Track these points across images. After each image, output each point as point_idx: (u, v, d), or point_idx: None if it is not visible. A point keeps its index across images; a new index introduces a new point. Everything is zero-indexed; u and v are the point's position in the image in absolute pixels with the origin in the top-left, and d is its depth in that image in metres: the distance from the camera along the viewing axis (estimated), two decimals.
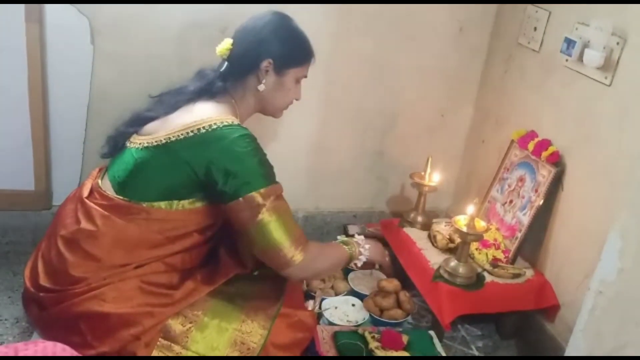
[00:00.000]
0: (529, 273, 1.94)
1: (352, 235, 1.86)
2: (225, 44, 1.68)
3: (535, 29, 2.03)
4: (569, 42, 1.79)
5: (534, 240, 1.96)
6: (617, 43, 1.65)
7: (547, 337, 1.89)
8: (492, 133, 2.30)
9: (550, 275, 1.92)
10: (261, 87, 1.67)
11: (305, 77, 1.75)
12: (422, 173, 2.21)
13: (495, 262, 1.93)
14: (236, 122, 1.56)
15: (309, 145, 2.34)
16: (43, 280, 1.53)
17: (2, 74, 1.95)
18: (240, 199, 1.49)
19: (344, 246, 1.76)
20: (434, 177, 2.20)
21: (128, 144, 1.62)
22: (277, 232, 1.51)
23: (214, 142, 1.50)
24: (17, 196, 2.10)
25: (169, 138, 1.54)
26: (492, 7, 2.27)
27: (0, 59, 1.93)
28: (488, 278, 1.89)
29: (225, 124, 1.52)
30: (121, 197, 1.55)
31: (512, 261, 1.95)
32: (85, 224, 1.53)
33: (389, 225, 2.29)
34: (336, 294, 1.99)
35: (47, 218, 2.06)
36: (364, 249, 1.79)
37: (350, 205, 2.49)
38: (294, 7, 2.05)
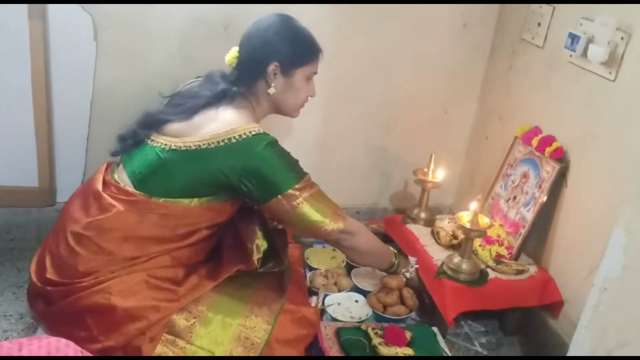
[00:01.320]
0: (533, 269, 1.93)
1: (405, 256, 2.01)
2: (233, 53, 1.72)
3: (539, 24, 2.02)
4: (573, 38, 1.79)
5: (537, 236, 1.96)
6: (622, 38, 1.65)
7: (551, 334, 1.89)
8: (496, 129, 2.29)
9: (554, 272, 1.92)
10: (271, 91, 1.69)
11: (316, 73, 1.76)
12: (426, 169, 2.21)
13: (498, 259, 1.93)
14: (261, 129, 1.60)
15: (311, 142, 2.34)
16: (50, 274, 1.54)
17: (6, 71, 1.95)
18: (280, 196, 1.58)
19: (393, 254, 1.89)
20: (437, 174, 2.20)
21: (149, 142, 1.64)
22: (316, 215, 1.62)
23: (245, 151, 1.56)
24: (21, 193, 2.11)
25: (199, 145, 1.57)
26: (496, 3, 2.26)
27: (4, 56, 1.94)
28: (491, 274, 1.89)
29: (254, 132, 1.57)
30: (141, 193, 1.58)
31: (516, 257, 1.95)
32: (98, 217, 1.54)
33: (392, 222, 2.28)
34: (339, 290, 1.99)
35: (51, 215, 2.06)
36: (413, 268, 1.93)
37: (353, 201, 2.49)
38: (297, 5, 2.05)
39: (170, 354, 1.49)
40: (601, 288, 1.31)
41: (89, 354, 1.22)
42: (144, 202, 1.57)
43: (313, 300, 1.88)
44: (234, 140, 1.55)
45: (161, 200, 1.57)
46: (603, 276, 1.31)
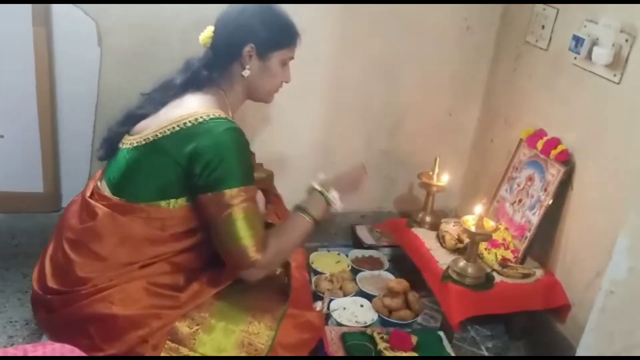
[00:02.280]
0: (539, 273, 1.92)
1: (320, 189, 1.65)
2: (207, 32, 1.65)
3: (543, 27, 2.02)
4: (578, 40, 1.78)
5: (543, 239, 1.95)
6: (626, 40, 1.64)
7: (558, 337, 1.87)
8: (501, 132, 2.28)
9: (561, 275, 1.91)
10: (246, 73, 1.62)
11: (292, 58, 1.69)
12: (430, 173, 2.20)
13: (504, 262, 1.92)
14: (223, 115, 1.52)
15: (316, 146, 2.34)
16: (50, 282, 1.54)
17: (11, 77, 1.96)
18: (209, 194, 1.47)
19: (304, 215, 1.60)
20: (442, 177, 2.19)
21: (121, 145, 1.61)
22: (243, 231, 1.46)
23: (199, 135, 1.47)
24: (26, 198, 2.11)
25: (157, 135, 1.52)
26: (499, 5, 2.26)
27: (9, 63, 1.95)
28: (497, 278, 1.88)
29: (212, 117, 1.49)
30: (118, 198, 1.55)
31: (522, 261, 1.94)
32: (89, 223, 1.53)
33: (397, 226, 2.28)
34: (344, 295, 1.99)
35: (56, 220, 2.04)
36: (334, 199, 1.63)
37: (357, 205, 2.48)
38: (298, 8, 2.05)
39: None
40: (607, 291, 1.31)
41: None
42: (123, 207, 1.54)
43: (318, 304, 1.88)
44: (189, 124, 1.48)
45: (139, 204, 1.53)
46: (609, 279, 1.31)
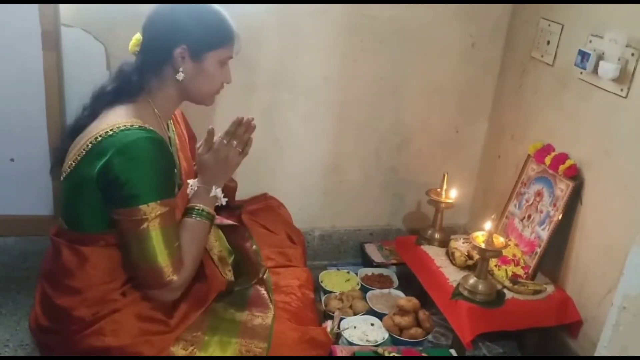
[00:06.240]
0: (550, 289, 1.91)
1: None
2: (134, 40, 1.55)
3: (548, 42, 2.03)
4: (583, 55, 1.79)
5: (554, 255, 1.94)
6: (632, 54, 1.64)
7: (571, 354, 1.85)
8: (508, 148, 2.28)
9: (572, 291, 1.89)
10: (180, 77, 1.50)
11: (231, 57, 1.57)
12: (439, 189, 2.20)
13: (515, 279, 1.91)
14: (139, 123, 1.40)
15: (323, 164, 2.35)
16: (42, 320, 1.52)
17: (21, 101, 1.98)
18: (122, 208, 1.37)
19: (200, 219, 1.54)
20: (450, 194, 2.19)
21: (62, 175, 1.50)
22: (159, 249, 1.39)
23: (108, 148, 1.36)
24: (36, 221, 2.12)
25: (76, 159, 1.42)
26: (504, 22, 2.27)
27: (19, 87, 1.97)
28: (508, 295, 1.87)
29: (123, 127, 1.38)
30: (74, 231, 1.50)
31: (532, 277, 1.93)
32: (58, 260, 1.50)
33: (406, 243, 2.27)
34: (355, 314, 1.98)
35: None
36: (219, 196, 1.60)
37: (366, 223, 2.48)
38: (305, 27, 2.07)
39: None
40: (620, 307, 1.30)
41: None
42: (82, 238, 1.48)
43: (329, 324, 1.87)
44: (99, 138, 1.37)
45: (95, 233, 1.47)
46: (622, 295, 1.29)
